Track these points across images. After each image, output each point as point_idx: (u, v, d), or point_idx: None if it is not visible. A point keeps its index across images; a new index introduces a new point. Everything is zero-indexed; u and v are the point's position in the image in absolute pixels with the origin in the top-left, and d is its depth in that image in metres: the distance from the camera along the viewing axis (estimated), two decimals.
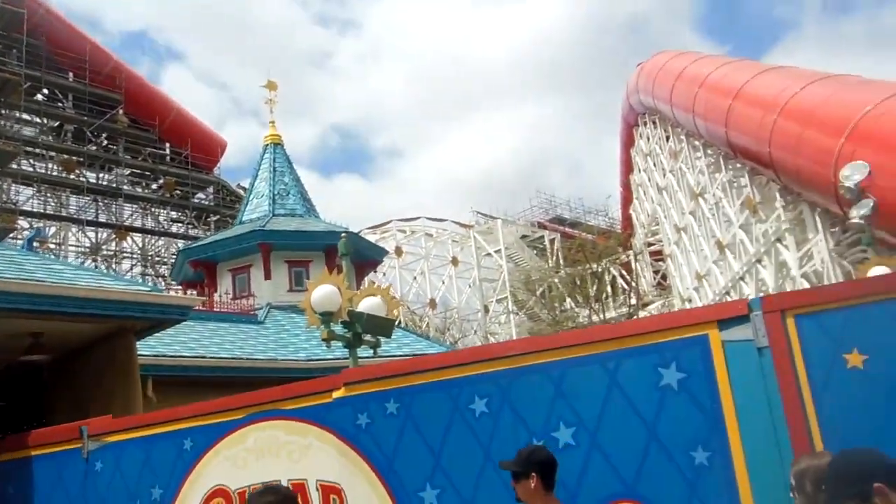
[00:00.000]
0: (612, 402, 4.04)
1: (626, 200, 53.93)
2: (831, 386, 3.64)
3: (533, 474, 3.50)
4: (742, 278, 30.37)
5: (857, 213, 13.98)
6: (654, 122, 42.12)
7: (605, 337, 4.12)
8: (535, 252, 52.92)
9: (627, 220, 54.07)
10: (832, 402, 3.62)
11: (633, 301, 41.59)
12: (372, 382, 4.68)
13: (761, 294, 27.77)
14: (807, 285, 24.50)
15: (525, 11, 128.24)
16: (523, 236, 54.14)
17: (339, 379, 4.79)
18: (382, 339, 10.63)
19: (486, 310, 50.44)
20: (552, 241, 52.69)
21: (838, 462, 2.38)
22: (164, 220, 46.27)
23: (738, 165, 29.63)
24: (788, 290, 26.11)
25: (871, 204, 13.70)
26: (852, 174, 14.10)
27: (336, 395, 4.75)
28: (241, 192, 40.87)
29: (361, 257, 17.53)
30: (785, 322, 3.76)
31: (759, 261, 28.42)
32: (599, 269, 39.90)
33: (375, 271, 29.87)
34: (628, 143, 49.72)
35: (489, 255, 51.69)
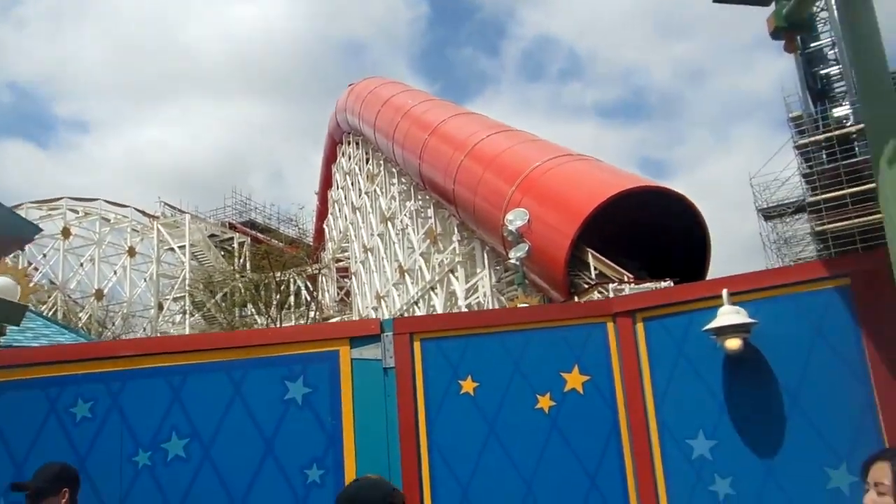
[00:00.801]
0: (233, 413, 3.80)
1: (322, 214, 54.44)
2: (444, 410, 3.78)
3: (64, 490, 3.16)
4: (416, 303, 32.12)
5: (514, 255, 15.54)
6: (357, 143, 43.18)
7: (235, 344, 3.89)
8: (222, 253, 50.94)
9: (320, 233, 54.56)
10: (443, 426, 3.76)
11: (314, 314, 41.82)
12: None
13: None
14: None
15: (251, 12, 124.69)
16: (212, 235, 51.92)
17: None
18: (10, 328, 9.24)
19: (161, 307, 47.32)
20: (241, 245, 51.21)
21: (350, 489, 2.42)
22: None
23: (427, 197, 31.46)
24: None
25: (527, 248, 15.33)
26: (515, 219, 15.68)
27: None
28: None
29: (2, 232, 15.25)
30: (412, 345, 3.84)
31: (433, 288, 30.30)
32: (284, 278, 39.55)
33: (23, 251, 26.29)
34: (331, 158, 50.38)
35: (172, 250, 48.69)
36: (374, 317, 38.81)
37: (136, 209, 49.02)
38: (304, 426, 3.77)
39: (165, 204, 52.14)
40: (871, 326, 3.33)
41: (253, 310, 41.35)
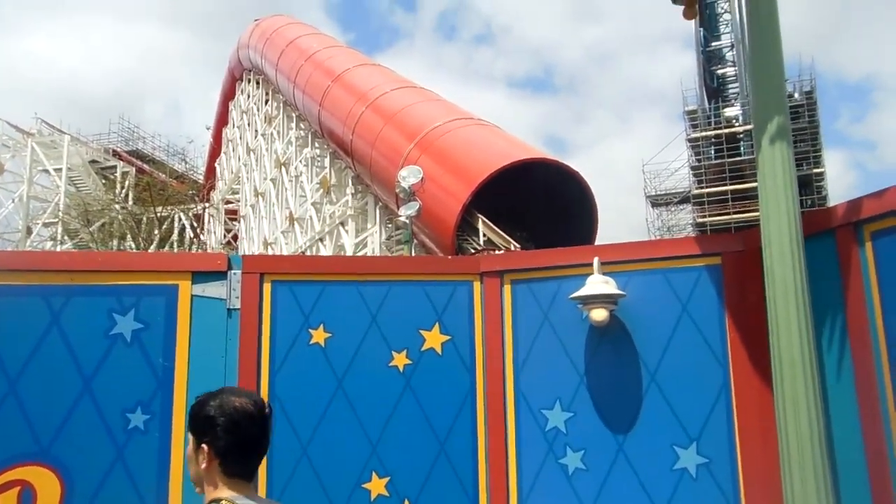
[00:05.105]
0: (48, 345, 3.34)
1: (215, 152, 52.36)
2: (290, 360, 3.48)
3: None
4: (304, 252, 31.41)
5: (404, 212, 15.29)
6: (257, 82, 41.49)
7: (57, 267, 3.42)
8: (102, 181, 48.14)
9: (211, 171, 52.51)
10: (287, 377, 3.47)
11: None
12: None
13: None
14: None
15: None
16: (93, 161, 48.94)
17: None
18: None
19: (29, 231, 44.40)
20: (125, 175, 48.56)
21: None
22: None
23: (325, 146, 30.63)
24: None
25: (417, 206, 15.11)
26: (409, 176, 15.40)
27: None
28: None
29: None
30: (262, 286, 3.50)
31: (321, 239, 29.69)
32: (167, 214, 37.84)
33: None
34: (229, 95, 48.34)
35: (46, 171, 45.60)
36: None
37: (7, 123, 45.46)
38: (130, 365, 3.38)
39: (43, 121, 48.60)
40: (735, 308, 3.27)
41: (132, 244, 39.46)
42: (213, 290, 3.47)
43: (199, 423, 2.11)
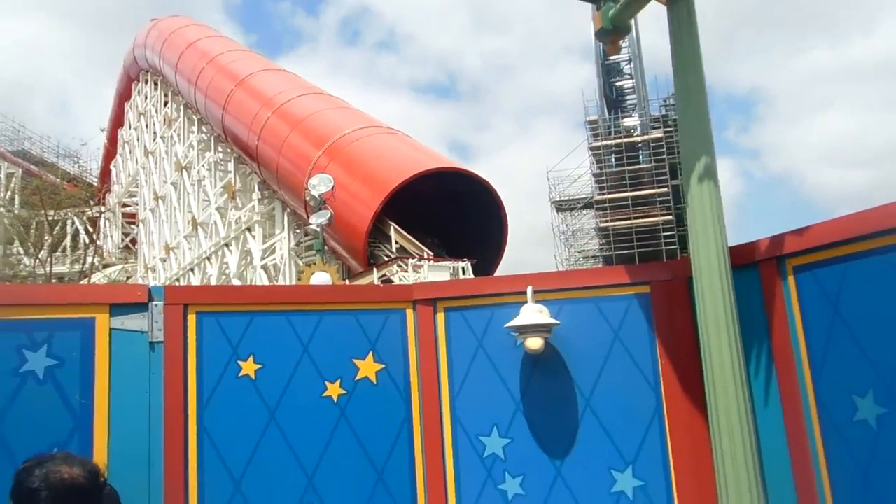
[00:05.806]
0: None
1: (110, 154, 50.32)
2: (219, 393, 3.34)
3: None
4: (209, 258, 30.53)
5: (315, 221, 15.08)
6: (155, 83, 40.09)
7: None
8: None
9: (107, 174, 50.37)
10: (217, 411, 3.33)
11: (92, 260, 38.44)
12: None
13: (209, 279, 28.17)
14: (264, 277, 25.75)
15: None
16: None
17: None
18: None
19: None
20: (10, 176, 45.92)
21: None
22: None
23: (228, 150, 29.85)
24: (249, 278, 27.12)
25: (329, 215, 14.93)
26: (319, 184, 15.20)
27: None
28: None
29: None
30: (186, 318, 3.35)
31: (227, 245, 28.93)
32: (59, 218, 35.99)
33: None
34: (125, 95, 46.54)
35: None
36: (159, 268, 36.51)
37: None
38: (44, 405, 3.16)
39: None
40: (665, 334, 3.36)
41: (20, 250, 37.32)
42: (134, 322, 3.30)
43: (22, 495, 1.93)
